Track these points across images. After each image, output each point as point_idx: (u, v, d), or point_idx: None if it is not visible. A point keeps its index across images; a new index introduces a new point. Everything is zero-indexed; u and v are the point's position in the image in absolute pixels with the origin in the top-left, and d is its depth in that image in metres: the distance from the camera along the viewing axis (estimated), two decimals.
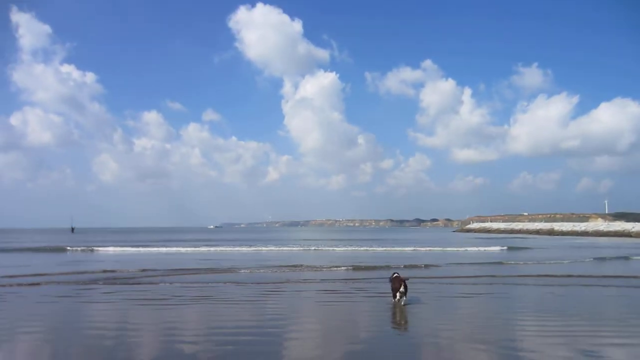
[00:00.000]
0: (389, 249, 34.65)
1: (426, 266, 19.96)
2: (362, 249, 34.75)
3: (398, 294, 10.83)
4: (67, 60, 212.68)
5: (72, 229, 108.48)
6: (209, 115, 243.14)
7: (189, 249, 33.18)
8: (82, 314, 10.12)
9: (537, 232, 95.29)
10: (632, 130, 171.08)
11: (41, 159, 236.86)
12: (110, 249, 32.57)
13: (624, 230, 77.98)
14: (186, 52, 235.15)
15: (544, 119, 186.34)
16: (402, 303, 10.77)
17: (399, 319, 9.60)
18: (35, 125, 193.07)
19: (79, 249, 32.72)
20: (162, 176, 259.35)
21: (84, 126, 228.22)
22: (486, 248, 34.98)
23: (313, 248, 34.66)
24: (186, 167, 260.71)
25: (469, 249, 34.27)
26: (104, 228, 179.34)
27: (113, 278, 15.68)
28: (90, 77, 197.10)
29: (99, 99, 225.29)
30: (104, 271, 17.50)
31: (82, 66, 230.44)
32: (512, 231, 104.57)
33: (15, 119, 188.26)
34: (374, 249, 34.55)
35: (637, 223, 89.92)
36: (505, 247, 34.37)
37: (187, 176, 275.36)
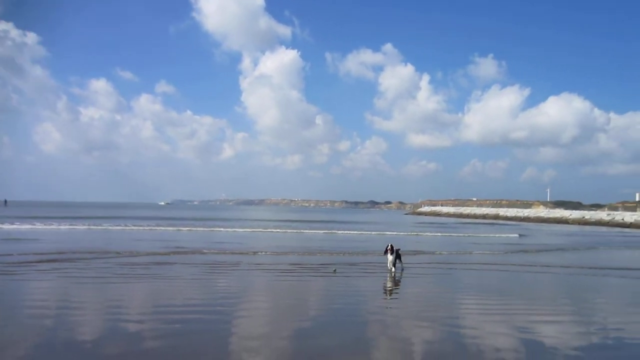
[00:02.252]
0: (367, 232, 35.31)
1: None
2: (322, 231, 35.25)
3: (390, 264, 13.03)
4: (5, 16, 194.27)
5: (5, 202, 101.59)
6: (163, 87, 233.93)
7: (134, 227, 32.22)
8: (17, 292, 9.74)
9: (484, 216, 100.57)
10: (575, 124, 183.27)
11: None
12: (38, 225, 30.97)
13: (562, 217, 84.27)
14: (139, 19, 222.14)
15: (496, 109, 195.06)
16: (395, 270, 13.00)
17: (348, 297, 9.99)
18: None
19: None
20: (110, 149, 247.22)
21: (23, 91, 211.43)
22: (501, 234, 35.21)
23: (266, 230, 34.76)
24: (137, 140, 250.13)
25: (481, 235, 34.82)
26: (46, 202, 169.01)
27: (49, 259, 15.06)
28: (31, 37, 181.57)
29: (41, 63, 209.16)
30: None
31: (22, 24, 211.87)
32: (460, 215, 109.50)
33: None
34: (347, 232, 35.11)
35: (574, 211, 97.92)
36: (517, 234, 34.85)
37: (138, 150, 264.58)
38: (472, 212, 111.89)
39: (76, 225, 32.08)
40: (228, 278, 12.14)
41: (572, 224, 75.44)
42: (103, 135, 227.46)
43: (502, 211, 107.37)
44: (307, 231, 33.80)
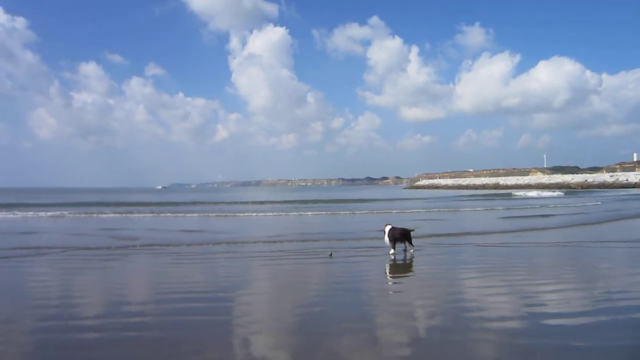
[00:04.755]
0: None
1: None
2: (318, 212, 35.23)
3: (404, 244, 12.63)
4: None
5: None
6: (152, 69, 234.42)
7: (117, 215, 32.01)
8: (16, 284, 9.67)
9: (484, 186, 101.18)
10: (568, 88, 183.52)
11: None
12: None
13: (564, 182, 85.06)
14: (124, 1, 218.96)
15: (487, 77, 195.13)
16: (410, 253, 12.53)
17: (346, 283, 10.00)
18: None
19: None
20: (105, 133, 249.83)
21: (16, 77, 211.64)
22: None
23: (260, 213, 34.73)
24: (131, 124, 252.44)
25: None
26: (43, 188, 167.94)
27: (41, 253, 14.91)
28: (20, 22, 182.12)
29: (31, 47, 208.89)
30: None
31: (10, 9, 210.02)
32: (459, 187, 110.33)
33: None
34: (346, 212, 35.08)
35: (575, 175, 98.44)
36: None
37: (133, 134, 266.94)
38: (472, 183, 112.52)
39: (76, 213, 31.65)
40: (216, 267, 11.87)
41: (574, 188, 76.14)
42: (97, 120, 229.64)
43: (502, 180, 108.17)
44: (302, 213, 33.23)
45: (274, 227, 23.16)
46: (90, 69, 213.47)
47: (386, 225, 12.91)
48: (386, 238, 12.56)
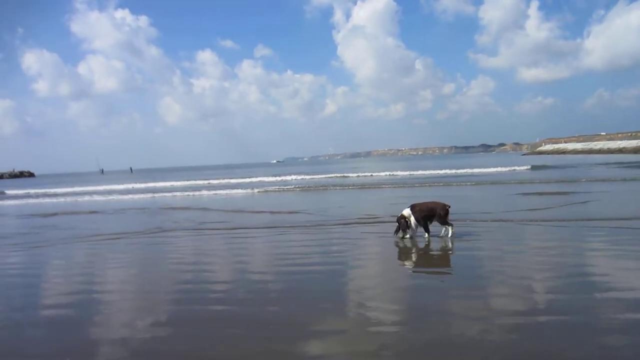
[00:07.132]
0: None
1: None
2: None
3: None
4: (120, 4, 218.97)
5: (102, 171, 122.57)
6: (260, 50, 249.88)
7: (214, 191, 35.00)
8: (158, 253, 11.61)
9: (621, 150, 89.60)
10: None
11: (110, 105, 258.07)
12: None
13: None
14: None
15: (624, 28, 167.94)
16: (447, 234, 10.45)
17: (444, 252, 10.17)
18: (101, 73, 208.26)
19: None
20: (223, 115, 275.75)
21: (144, 71, 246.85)
22: None
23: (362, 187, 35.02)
24: (245, 104, 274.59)
25: None
26: (171, 167, 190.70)
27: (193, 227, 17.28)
28: (143, 20, 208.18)
29: (155, 43, 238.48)
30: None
31: (135, 10, 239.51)
32: (590, 151, 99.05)
33: (81, 69, 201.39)
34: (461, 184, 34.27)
35: None
36: None
37: (247, 113, 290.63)
38: (605, 147, 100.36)
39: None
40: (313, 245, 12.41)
41: None
42: (215, 103, 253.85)
43: None
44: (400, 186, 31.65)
45: (368, 203, 22.10)
46: (206, 56, 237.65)
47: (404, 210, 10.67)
48: (412, 221, 10.47)
